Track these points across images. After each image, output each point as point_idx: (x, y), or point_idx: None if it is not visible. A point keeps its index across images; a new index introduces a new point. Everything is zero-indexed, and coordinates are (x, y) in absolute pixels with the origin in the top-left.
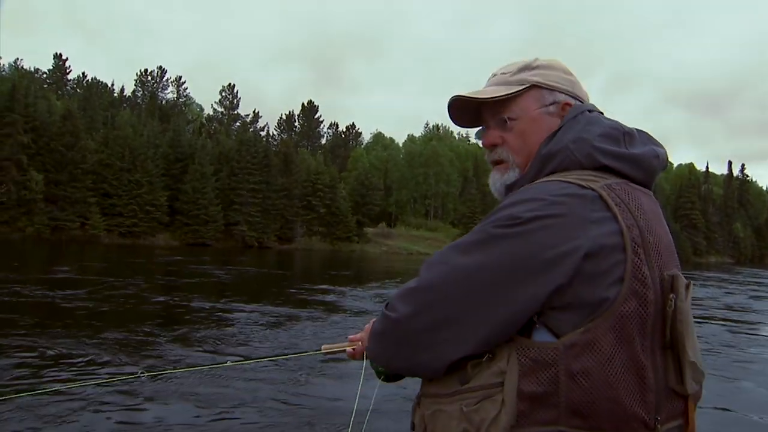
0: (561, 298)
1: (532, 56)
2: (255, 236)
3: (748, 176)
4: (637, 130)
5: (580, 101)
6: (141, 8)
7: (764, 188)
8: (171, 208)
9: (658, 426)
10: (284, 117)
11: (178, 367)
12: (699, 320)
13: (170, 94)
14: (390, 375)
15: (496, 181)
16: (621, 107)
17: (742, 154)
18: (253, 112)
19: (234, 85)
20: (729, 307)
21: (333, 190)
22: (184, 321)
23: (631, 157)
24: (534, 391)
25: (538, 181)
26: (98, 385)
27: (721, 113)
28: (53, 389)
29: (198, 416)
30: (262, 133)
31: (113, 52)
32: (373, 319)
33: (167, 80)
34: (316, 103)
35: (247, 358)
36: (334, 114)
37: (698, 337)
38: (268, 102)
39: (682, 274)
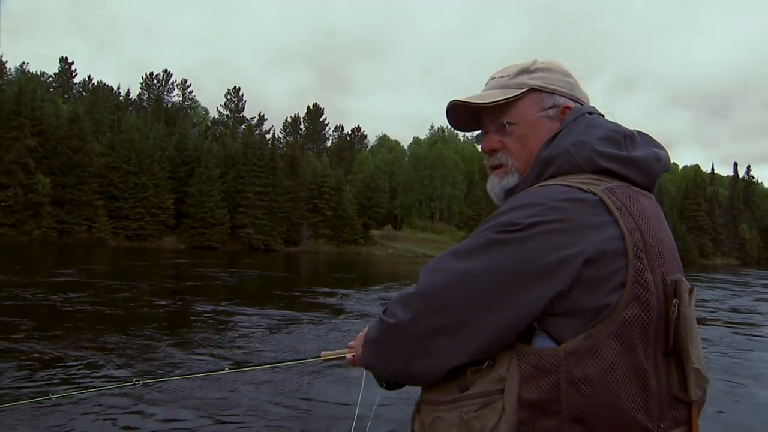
0: (561, 304)
1: (530, 58)
2: (261, 239)
3: (753, 178)
4: (638, 132)
5: (580, 103)
6: (146, 12)
7: None
8: (177, 211)
9: None
10: (290, 120)
11: (176, 374)
12: (705, 323)
13: (176, 97)
14: (392, 383)
15: (495, 185)
16: (625, 108)
17: (747, 156)
18: (259, 115)
19: (239, 87)
20: (735, 310)
21: (339, 193)
22: (185, 325)
23: (633, 160)
24: (535, 398)
25: (538, 185)
26: (94, 391)
27: (726, 114)
28: (46, 397)
29: (196, 423)
30: (268, 136)
31: (119, 55)
32: (366, 326)
33: (173, 83)
34: (321, 106)
35: (246, 365)
36: (339, 116)
37: (704, 339)
38: (274, 105)
39: (688, 276)
